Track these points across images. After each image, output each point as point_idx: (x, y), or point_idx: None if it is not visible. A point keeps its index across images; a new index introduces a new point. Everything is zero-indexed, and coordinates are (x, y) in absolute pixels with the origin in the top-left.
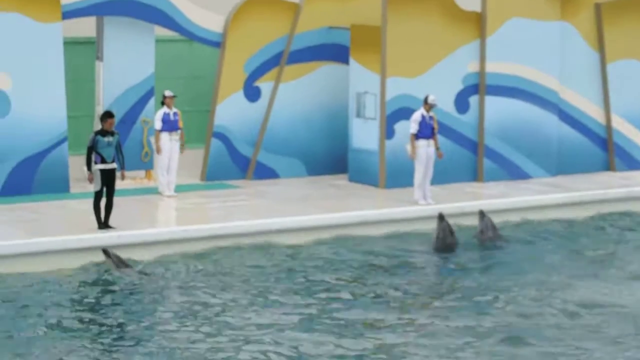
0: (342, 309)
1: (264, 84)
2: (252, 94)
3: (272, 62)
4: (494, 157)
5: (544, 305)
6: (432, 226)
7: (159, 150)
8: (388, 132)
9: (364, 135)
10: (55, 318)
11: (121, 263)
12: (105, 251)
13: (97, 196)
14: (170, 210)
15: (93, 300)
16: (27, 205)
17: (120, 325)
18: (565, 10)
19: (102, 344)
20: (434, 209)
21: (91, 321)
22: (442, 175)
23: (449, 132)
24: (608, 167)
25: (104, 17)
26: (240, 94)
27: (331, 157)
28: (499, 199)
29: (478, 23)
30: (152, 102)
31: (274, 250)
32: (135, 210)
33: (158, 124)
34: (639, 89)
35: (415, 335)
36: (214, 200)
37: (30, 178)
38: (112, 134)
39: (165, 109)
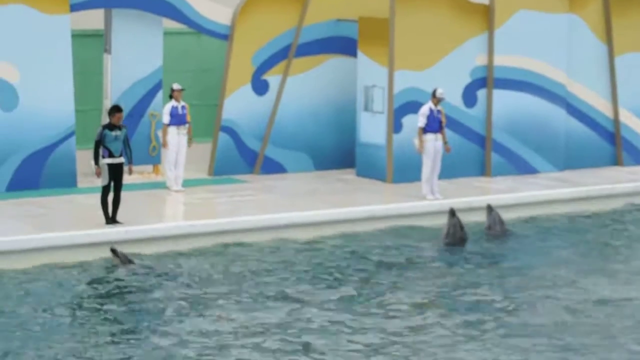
0: (347, 305)
1: (272, 77)
2: (260, 87)
3: (280, 55)
4: (502, 152)
5: (551, 299)
6: (440, 221)
7: (165, 145)
8: (396, 126)
9: (372, 129)
10: (63, 313)
11: (127, 260)
12: (113, 250)
13: (105, 191)
14: (177, 205)
15: (99, 296)
16: (34, 200)
17: (125, 320)
18: (573, 3)
19: (107, 339)
20: (442, 203)
21: (97, 316)
22: (449, 170)
23: (456, 126)
24: (616, 161)
25: (112, 9)
26: (248, 87)
27: (339, 152)
28: (506, 193)
29: (486, 15)
30: (160, 95)
31: (281, 245)
32: (142, 205)
33: (166, 118)
34: None
35: (424, 331)
36: (221, 195)
37: (38, 172)
38: (119, 128)
39: (173, 103)
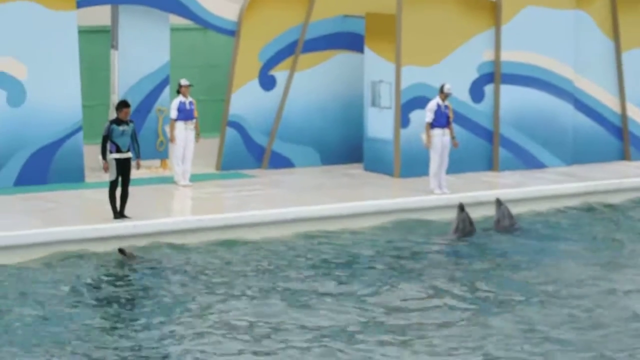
0: (355, 300)
1: (279, 73)
2: (267, 82)
3: (287, 51)
4: (510, 146)
5: (559, 294)
6: (447, 215)
7: (173, 140)
8: (403, 121)
9: (379, 124)
10: (70, 308)
11: (134, 256)
12: (121, 250)
13: (113, 186)
14: (185, 200)
15: (104, 290)
16: (42, 194)
17: (131, 314)
18: None
19: (109, 332)
20: (450, 198)
21: (102, 310)
22: (457, 165)
23: (464, 121)
24: (623, 156)
25: (119, 5)
26: (255, 83)
27: (346, 146)
28: (514, 188)
29: (493, 11)
30: (167, 90)
31: (289, 239)
32: (150, 200)
33: (174, 113)
34: None
35: (433, 327)
36: (229, 190)
37: (46, 168)
38: (127, 123)
39: (181, 98)
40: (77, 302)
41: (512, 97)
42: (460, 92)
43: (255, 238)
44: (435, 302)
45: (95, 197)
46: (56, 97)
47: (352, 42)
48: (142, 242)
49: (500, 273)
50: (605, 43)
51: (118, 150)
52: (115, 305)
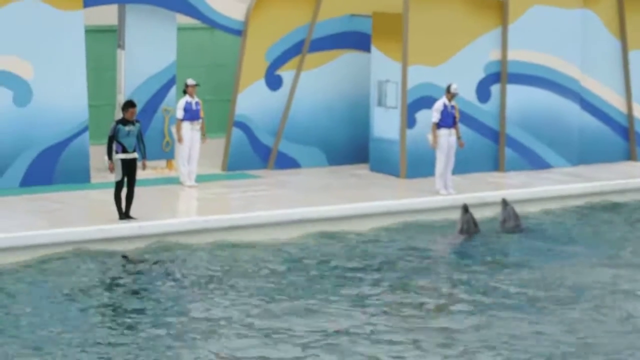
0: (362, 301)
1: (286, 73)
2: (274, 82)
3: (294, 51)
4: (516, 147)
5: (565, 295)
6: (453, 216)
7: (180, 140)
8: (409, 121)
9: (385, 124)
10: (75, 309)
11: (139, 261)
12: (125, 257)
13: (118, 186)
14: (191, 200)
15: (109, 290)
16: (48, 195)
17: (135, 314)
18: None
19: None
20: (456, 198)
21: (107, 310)
22: (463, 165)
23: (470, 121)
24: (629, 156)
25: (125, 5)
26: (261, 83)
27: (352, 147)
28: (520, 188)
29: (500, 11)
30: (173, 90)
31: (295, 240)
32: (156, 200)
33: (180, 113)
34: None
35: (439, 328)
36: (235, 190)
37: (51, 168)
38: (133, 123)
39: (187, 98)
40: (82, 303)
41: (518, 97)
42: (467, 92)
43: (261, 239)
44: (440, 302)
45: (100, 197)
46: (62, 97)
47: (358, 41)
48: (148, 243)
49: (506, 274)
50: (612, 42)
51: (124, 151)
52: (120, 307)
